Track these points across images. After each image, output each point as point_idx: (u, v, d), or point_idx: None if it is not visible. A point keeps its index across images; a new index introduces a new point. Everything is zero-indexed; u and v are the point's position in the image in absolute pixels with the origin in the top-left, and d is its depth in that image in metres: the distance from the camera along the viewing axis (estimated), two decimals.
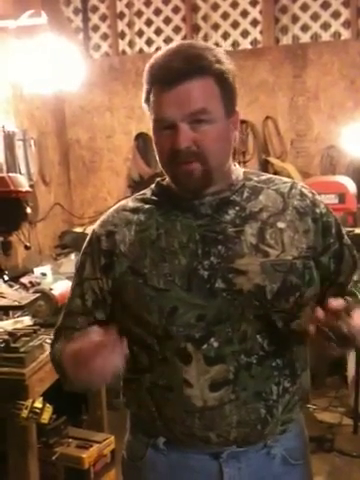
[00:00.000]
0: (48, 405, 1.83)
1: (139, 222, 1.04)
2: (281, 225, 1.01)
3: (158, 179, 1.10)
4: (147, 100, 1.01)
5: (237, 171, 1.06)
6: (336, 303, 0.88)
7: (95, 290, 1.05)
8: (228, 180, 1.03)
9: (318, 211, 1.05)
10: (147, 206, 1.05)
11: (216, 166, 0.99)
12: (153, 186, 1.10)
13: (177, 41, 1.03)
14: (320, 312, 0.88)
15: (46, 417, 1.82)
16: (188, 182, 0.98)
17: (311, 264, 1.02)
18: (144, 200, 1.07)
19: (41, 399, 1.84)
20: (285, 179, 1.09)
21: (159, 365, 1.00)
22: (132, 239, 1.02)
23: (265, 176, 1.08)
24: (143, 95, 1.02)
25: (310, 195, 1.06)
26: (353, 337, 0.87)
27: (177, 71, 0.94)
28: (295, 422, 1.07)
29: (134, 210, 1.06)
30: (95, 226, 1.09)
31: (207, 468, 1.02)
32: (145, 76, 1.01)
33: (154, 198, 1.06)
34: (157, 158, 1.01)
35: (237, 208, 1.01)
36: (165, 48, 1.00)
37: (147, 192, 1.09)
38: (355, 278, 1.09)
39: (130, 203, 1.08)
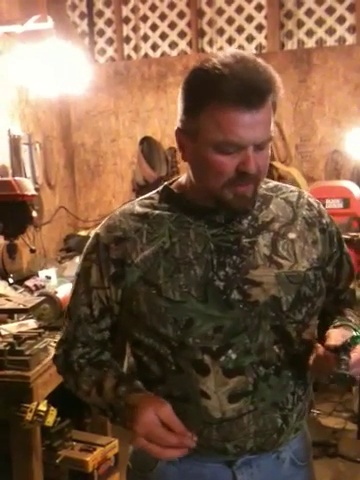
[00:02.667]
0: (52, 408, 1.84)
1: (150, 230, 1.00)
2: (292, 236, 1.01)
3: (165, 183, 1.07)
4: (197, 112, 0.91)
5: None
6: (334, 342, 0.90)
7: (102, 299, 1.02)
8: None
9: (324, 221, 1.06)
10: (156, 212, 1.01)
11: (260, 185, 1.00)
12: (160, 190, 1.06)
13: (230, 50, 0.94)
14: (320, 350, 0.91)
15: (50, 420, 1.82)
16: (241, 203, 0.95)
17: (320, 274, 1.02)
18: (152, 205, 1.03)
19: (45, 402, 1.85)
20: (291, 187, 1.09)
21: (172, 376, 0.98)
22: (144, 248, 0.99)
23: (272, 183, 1.08)
24: (189, 104, 0.93)
25: (316, 205, 1.07)
26: (352, 378, 0.88)
27: (261, 93, 0.89)
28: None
29: (143, 216, 1.02)
30: (100, 231, 1.04)
31: (220, 476, 1.02)
32: (201, 86, 0.90)
33: (163, 204, 1.03)
34: (207, 178, 0.94)
35: (250, 218, 1.01)
36: (226, 59, 0.89)
37: (154, 197, 1.05)
38: (352, 286, 1.11)
39: (137, 208, 1.04)
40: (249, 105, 0.88)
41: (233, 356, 0.95)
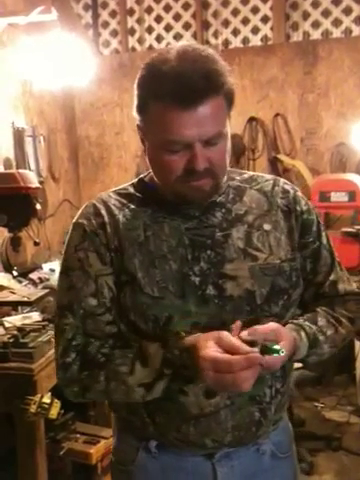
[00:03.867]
0: (56, 400, 1.84)
1: (125, 219, 0.98)
2: (267, 227, 1.00)
3: (141, 176, 1.06)
4: (144, 110, 0.92)
5: None
6: (249, 336, 0.87)
7: (111, 286, 0.97)
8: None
9: (299, 208, 1.03)
10: (132, 204, 1.00)
11: (223, 177, 0.98)
12: (135, 182, 1.05)
13: (181, 44, 0.91)
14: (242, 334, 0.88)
15: (54, 412, 1.83)
16: (199, 196, 0.95)
17: (296, 266, 1.01)
18: (128, 197, 1.02)
19: (49, 394, 1.85)
20: (267, 176, 1.07)
21: None
22: (120, 236, 0.97)
23: (247, 175, 1.07)
24: (137, 103, 0.92)
25: (292, 191, 1.05)
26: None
27: (198, 90, 0.86)
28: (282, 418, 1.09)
29: (119, 206, 1.00)
30: (81, 220, 1.00)
31: (200, 469, 1.02)
32: (145, 84, 0.90)
33: (139, 197, 1.01)
34: (159, 175, 0.95)
35: (223, 210, 1.00)
36: (166, 55, 0.88)
37: (129, 188, 1.04)
38: (332, 278, 1.07)
39: (113, 197, 1.02)
40: (185, 103, 0.86)
41: None
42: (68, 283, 0.99)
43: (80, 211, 1.03)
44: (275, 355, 0.84)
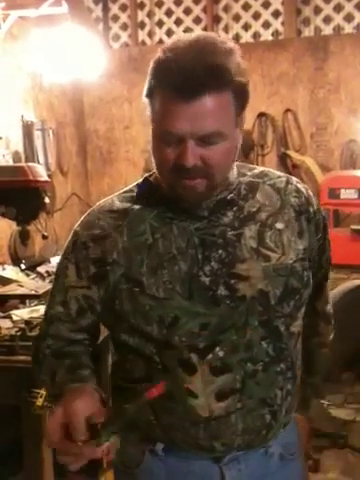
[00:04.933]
0: None
1: (131, 226, 0.96)
2: (280, 226, 0.97)
3: (146, 175, 1.03)
4: (150, 96, 0.90)
5: (233, 169, 1.00)
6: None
7: (79, 299, 0.98)
8: (226, 180, 0.98)
9: (312, 209, 1.02)
10: (137, 207, 0.97)
11: (222, 179, 0.94)
12: (140, 182, 1.02)
13: (194, 34, 0.89)
14: None
15: None
16: (191, 196, 0.92)
17: (307, 265, 0.99)
18: (133, 200, 0.99)
19: None
20: (278, 173, 1.04)
21: (158, 375, 0.94)
22: (126, 245, 0.95)
23: (258, 169, 1.04)
24: (146, 88, 0.90)
25: (305, 191, 1.03)
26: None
27: (197, 82, 0.82)
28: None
29: (123, 212, 0.97)
30: (78, 228, 0.99)
31: (207, 472, 1.00)
32: (154, 70, 0.88)
33: (144, 198, 0.99)
34: (156, 167, 0.93)
35: (235, 208, 0.97)
36: (180, 42, 0.86)
37: (134, 190, 1.01)
38: (328, 274, 1.09)
39: (117, 203, 0.99)
40: (182, 95, 0.83)
41: (220, 354, 0.92)
42: (52, 287, 1.04)
43: (82, 218, 1.02)
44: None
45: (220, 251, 0.94)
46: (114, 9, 4.14)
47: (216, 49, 0.85)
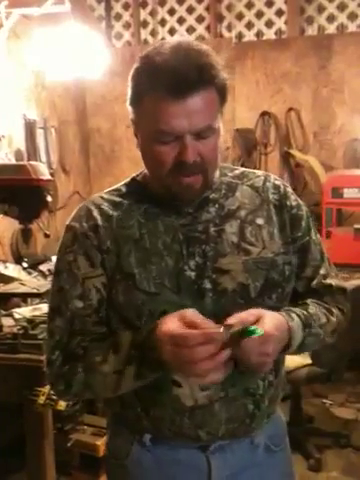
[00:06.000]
0: None
1: (119, 219, 1.00)
2: (260, 221, 1.01)
3: (133, 175, 1.07)
4: (136, 103, 0.94)
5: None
6: (234, 320, 0.86)
7: (99, 288, 0.98)
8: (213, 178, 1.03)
9: (288, 203, 1.05)
10: (124, 204, 1.02)
11: (212, 176, 0.99)
12: (127, 182, 1.06)
13: (176, 38, 0.97)
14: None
15: (62, 404, 1.83)
16: (189, 194, 0.96)
17: (290, 259, 1.02)
18: (120, 196, 1.03)
19: None
20: (258, 172, 1.09)
21: None
22: (115, 234, 0.98)
23: (239, 170, 1.08)
24: (131, 95, 0.94)
25: (282, 187, 1.07)
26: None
27: (189, 81, 0.88)
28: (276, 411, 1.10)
29: (113, 205, 1.01)
30: (72, 223, 1.01)
31: (194, 461, 1.03)
32: (139, 77, 0.92)
33: (131, 196, 1.03)
34: (151, 168, 0.97)
35: (216, 206, 1.01)
36: (162, 48, 0.91)
37: (122, 188, 1.05)
38: (322, 272, 1.08)
39: (105, 198, 1.03)
40: (176, 94, 0.88)
41: None
42: (58, 285, 1.01)
43: (73, 213, 1.04)
44: (253, 336, 0.83)
45: (203, 246, 0.98)
46: (117, 8, 4.13)
47: (199, 51, 0.92)
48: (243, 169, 1.09)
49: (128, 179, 1.07)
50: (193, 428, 0.99)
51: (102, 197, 1.04)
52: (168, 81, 0.88)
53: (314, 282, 1.08)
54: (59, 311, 1.00)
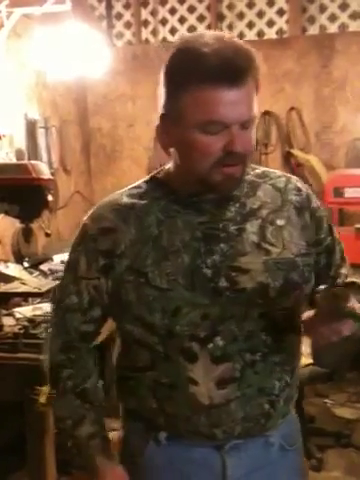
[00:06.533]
0: None
1: (138, 219, 0.99)
2: (280, 222, 1.01)
3: (153, 173, 1.07)
4: (177, 95, 0.91)
5: None
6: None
7: (90, 290, 1.02)
8: None
9: (313, 206, 1.05)
10: (143, 202, 1.01)
11: (249, 166, 0.99)
12: (147, 179, 1.06)
13: (206, 32, 0.93)
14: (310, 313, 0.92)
15: None
16: (229, 184, 0.95)
17: (309, 261, 1.02)
18: (139, 195, 1.03)
19: None
20: (279, 173, 1.09)
21: (161, 363, 0.99)
22: (133, 237, 0.98)
23: (260, 169, 1.08)
24: (167, 90, 0.92)
25: (304, 190, 1.07)
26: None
27: (241, 69, 0.88)
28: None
29: (130, 206, 1.01)
30: (87, 220, 1.03)
31: (209, 460, 1.03)
32: (182, 67, 0.90)
33: (151, 193, 1.02)
34: (193, 162, 0.94)
35: (237, 205, 1.00)
36: (204, 39, 0.89)
37: (142, 185, 1.05)
38: (344, 271, 1.10)
39: (124, 198, 1.03)
40: (230, 82, 0.88)
41: (220, 343, 0.96)
42: (62, 278, 1.08)
43: (91, 211, 1.05)
44: (352, 321, 0.89)
45: (222, 244, 0.98)
46: (118, 7, 4.13)
47: (240, 42, 0.91)
48: (264, 168, 1.09)
49: (148, 177, 1.07)
50: (209, 427, 0.99)
51: (121, 195, 1.03)
52: (220, 69, 0.86)
53: (338, 281, 1.09)
54: (58, 303, 1.07)
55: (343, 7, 3.77)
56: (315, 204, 1.06)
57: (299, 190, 1.05)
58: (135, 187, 1.05)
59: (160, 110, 0.96)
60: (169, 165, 1.03)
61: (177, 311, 0.95)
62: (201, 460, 1.03)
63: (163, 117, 0.96)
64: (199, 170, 0.94)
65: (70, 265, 1.05)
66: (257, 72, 0.92)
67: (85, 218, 1.04)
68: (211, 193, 0.97)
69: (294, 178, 1.08)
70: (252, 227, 0.99)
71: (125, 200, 1.02)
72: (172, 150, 0.98)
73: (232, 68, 0.87)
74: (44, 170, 2.43)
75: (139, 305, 0.96)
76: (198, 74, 0.88)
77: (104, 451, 1.05)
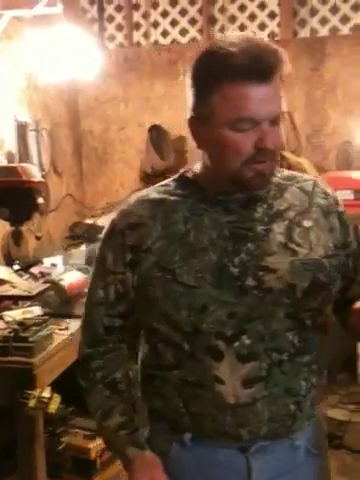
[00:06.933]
0: (56, 395, 1.83)
1: (165, 216, 1.00)
2: (307, 224, 1.02)
3: (182, 170, 1.07)
4: (207, 94, 0.92)
5: None
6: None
7: (117, 285, 1.04)
8: None
9: (337, 209, 1.07)
10: (172, 198, 1.02)
11: (278, 162, 1.00)
12: (176, 177, 1.07)
13: (236, 33, 0.95)
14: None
15: (53, 407, 1.82)
16: (260, 181, 0.96)
17: (335, 263, 1.03)
18: (168, 192, 1.04)
19: (49, 389, 1.84)
20: (305, 176, 1.10)
21: (187, 361, 0.99)
22: (159, 234, 0.99)
23: (286, 172, 1.09)
24: (196, 91, 0.94)
25: (332, 193, 1.08)
26: None
27: (272, 65, 0.90)
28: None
29: (159, 202, 1.02)
30: (115, 217, 1.05)
31: (235, 462, 1.02)
32: (212, 66, 0.91)
33: (179, 191, 1.03)
34: (224, 160, 0.95)
35: (265, 206, 1.01)
36: (231, 38, 0.91)
37: (170, 184, 1.06)
38: None
39: (153, 194, 1.04)
40: (260, 78, 0.89)
41: (247, 342, 0.96)
42: (91, 273, 1.10)
43: (120, 207, 1.07)
44: None
45: (249, 244, 0.98)
46: (109, 10, 4.13)
47: (267, 40, 0.94)
48: (291, 172, 1.10)
49: (177, 175, 1.08)
50: (235, 426, 0.98)
51: (149, 193, 1.05)
52: (249, 66, 0.88)
53: None
54: (88, 297, 1.09)
55: (334, 10, 3.79)
56: (342, 208, 1.07)
57: (326, 194, 1.07)
58: (164, 185, 1.06)
59: (189, 113, 0.98)
60: (197, 165, 1.05)
61: (204, 308, 0.95)
62: (226, 463, 1.02)
63: (192, 119, 0.98)
64: (231, 168, 0.95)
65: (98, 261, 1.07)
66: (284, 67, 0.93)
67: (115, 214, 1.06)
68: (241, 191, 0.98)
69: (321, 181, 1.09)
70: (279, 228, 1.00)
71: (154, 195, 1.04)
72: (201, 152, 1.00)
73: (260, 64, 0.89)
74: (34, 173, 2.43)
75: (166, 302, 0.97)
76: (227, 72, 0.90)
77: (134, 441, 1.03)
